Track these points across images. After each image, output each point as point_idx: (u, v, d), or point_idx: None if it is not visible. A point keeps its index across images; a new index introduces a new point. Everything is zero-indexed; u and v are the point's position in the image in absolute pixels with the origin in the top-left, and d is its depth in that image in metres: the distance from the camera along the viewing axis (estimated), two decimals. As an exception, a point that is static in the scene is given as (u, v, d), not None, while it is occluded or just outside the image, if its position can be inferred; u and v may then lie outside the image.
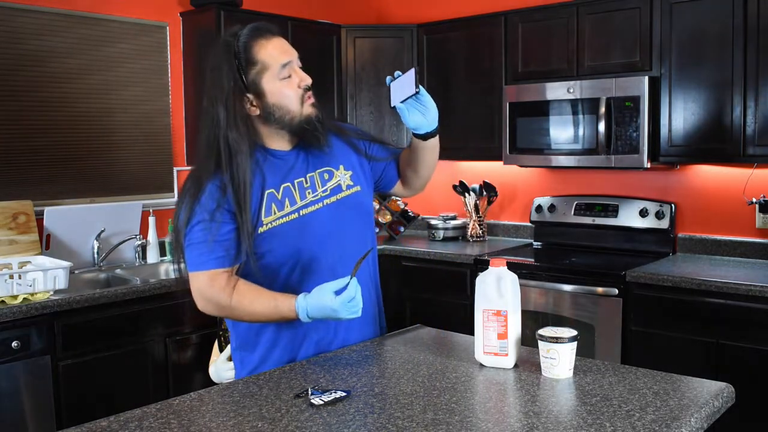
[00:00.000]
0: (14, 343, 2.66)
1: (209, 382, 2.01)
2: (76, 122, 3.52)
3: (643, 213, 3.65)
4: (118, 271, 3.46)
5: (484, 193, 4.21)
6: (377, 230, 4.23)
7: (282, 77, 1.73)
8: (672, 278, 3.02)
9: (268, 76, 1.72)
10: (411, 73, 1.70)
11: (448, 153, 3.85)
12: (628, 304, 3.14)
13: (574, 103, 3.52)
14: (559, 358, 1.55)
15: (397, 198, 4.29)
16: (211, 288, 1.69)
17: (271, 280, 1.75)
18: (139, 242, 3.62)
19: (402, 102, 1.72)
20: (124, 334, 2.99)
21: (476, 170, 4.36)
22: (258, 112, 1.75)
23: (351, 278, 1.64)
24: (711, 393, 1.47)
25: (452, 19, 4.18)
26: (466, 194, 4.24)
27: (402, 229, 4.38)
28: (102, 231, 3.47)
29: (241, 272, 1.75)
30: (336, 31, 4.29)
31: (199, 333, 3.21)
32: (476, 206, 4.22)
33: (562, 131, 3.58)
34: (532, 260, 3.67)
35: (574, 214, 3.89)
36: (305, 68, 1.80)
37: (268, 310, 1.68)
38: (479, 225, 4.24)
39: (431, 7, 4.49)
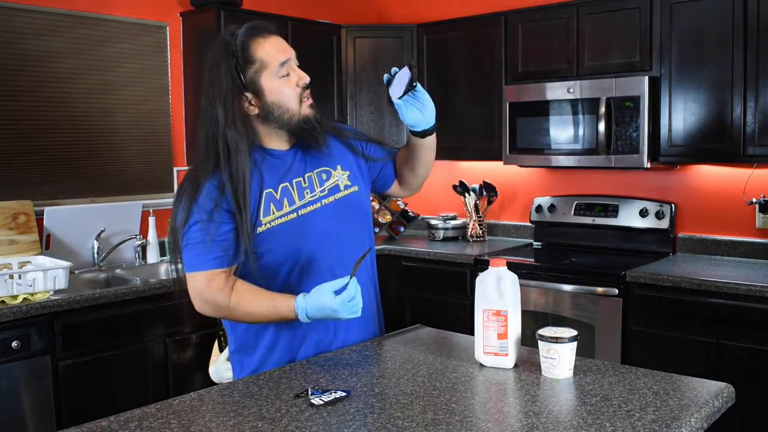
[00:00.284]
0: (14, 343, 2.66)
1: (209, 382, 2.01)
2: (75, 122, 3.52)
3: (643, 213, 3.64)
4: (118, 271, 3.46)
5: (484, 193, 4.21)
6: (377, 230, 4.23)
7: (280, 75, 1.73)
8: (672, 278, 3.02)
9: (267, 74, 1.72)
10: (407, 70, 1.70)
11: (448, 153, 3.89)
12: (628, 304, 3.14)
13: (574, 103, 3.52)
14: (559, 358, 1.55)
15: (397, 198, 4.29)
16: (209, 288, 1.68)
17: (270, 280, 1.74)
18: (139, 242, 3.62)
19: (399, 98, 1.72)
20: (124, 334, 2.99)
21: (476, 170, 4.36)
22: (256, 111, 1.74)
23: (351, 278, 1.63)
24: (711, 393, 1.47)
25: (452, 19, 4.18)
26: (466, 194, 4.24)
27: (402, 229, 4.38)
28: (102, 231, 3.47)
29: (239, 272, 1.74)
30: (336, 31, 4.29)
31: (199, 333, 3.21)
32: (476, 206, 4.22)
33: (562, 131, 3.58)
34: (532, 260, 3.67)
35: (574, 214, 3.89)
36: (305, 68, 1.79)
37: (267, 310, 1.67)
38: (479, 225, 4.24)
39: (431, 7, 4.49)
